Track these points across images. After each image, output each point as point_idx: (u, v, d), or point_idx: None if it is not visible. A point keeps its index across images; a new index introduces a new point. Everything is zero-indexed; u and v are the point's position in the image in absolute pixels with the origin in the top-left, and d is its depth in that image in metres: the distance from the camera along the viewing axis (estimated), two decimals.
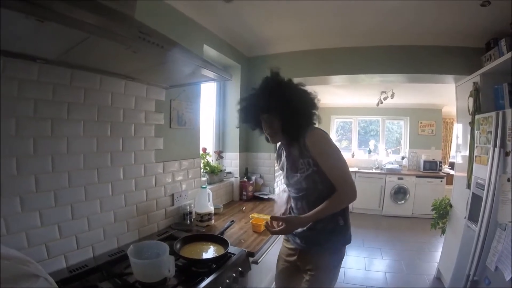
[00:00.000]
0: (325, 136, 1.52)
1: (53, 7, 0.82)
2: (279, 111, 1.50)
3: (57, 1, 0.83)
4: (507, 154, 2.03)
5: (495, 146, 2.15)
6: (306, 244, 1.58)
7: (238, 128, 3.29)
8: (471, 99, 2.72)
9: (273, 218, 1.52)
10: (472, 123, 2.67)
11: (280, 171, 1.79)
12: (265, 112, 1.55)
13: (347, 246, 1.60)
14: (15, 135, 1.27)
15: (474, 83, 2.68)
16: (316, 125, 1.60)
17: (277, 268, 1.81)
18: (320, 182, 1.49)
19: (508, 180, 1.96)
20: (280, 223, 1.52)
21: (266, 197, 3.33)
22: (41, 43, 1.12)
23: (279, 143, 1.73)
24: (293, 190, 1.64)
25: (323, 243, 1.54)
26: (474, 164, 2.56)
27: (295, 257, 1.66)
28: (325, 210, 1.44)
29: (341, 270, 1.70)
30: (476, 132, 2.52)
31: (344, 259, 1.62)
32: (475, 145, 2.53)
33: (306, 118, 1.56)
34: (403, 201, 6.07)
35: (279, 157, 1.80)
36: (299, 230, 1.57)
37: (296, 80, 1.61)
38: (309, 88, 1.61)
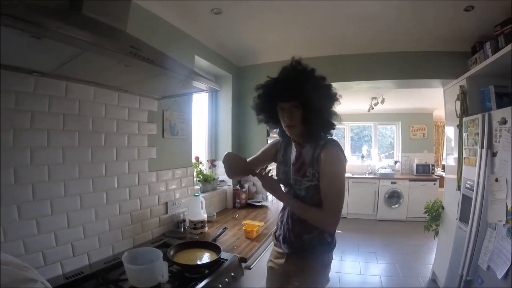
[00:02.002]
0: (340, 159, 1.43)
1: (49, 25, 0.87)
2: (304, 99, 1.37)
3: (53, 20, 0.88)
4: (494, 155, 2.07)
5: (482, 147, 2.19)
6: (293, 249, 1.55)
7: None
8: (458, 102, 2.77)
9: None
10: (460, 126, 2.72)
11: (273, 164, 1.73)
12: (287, 100, 1.40)
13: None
14: (12, 146, 1.30)
15: (460, 86, 2.74)
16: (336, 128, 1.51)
17: (267, 270, 1.78)
18: (317, 195, 1.44)
19: (496, 180, 2.00)
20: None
21: (259, 204, 3.34)
22: (37, 57, 1.17)
23: (278, 139, 1.72)
24: (290, 190, 1.59)
25: (309, 249, 1.51)
26: (463, 166, 2.60)
27: (282, 261, 1.62)
28: (306, 212, 1.46)
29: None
30: (464, 134, 2.57)
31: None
32: (464, 147, 2.58)
33: (330, 114, 1.46)
34: (397, 205, 6.11)
35: (278, 149, 1.70)
36: (286, 236, 1.56)
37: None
38: None
